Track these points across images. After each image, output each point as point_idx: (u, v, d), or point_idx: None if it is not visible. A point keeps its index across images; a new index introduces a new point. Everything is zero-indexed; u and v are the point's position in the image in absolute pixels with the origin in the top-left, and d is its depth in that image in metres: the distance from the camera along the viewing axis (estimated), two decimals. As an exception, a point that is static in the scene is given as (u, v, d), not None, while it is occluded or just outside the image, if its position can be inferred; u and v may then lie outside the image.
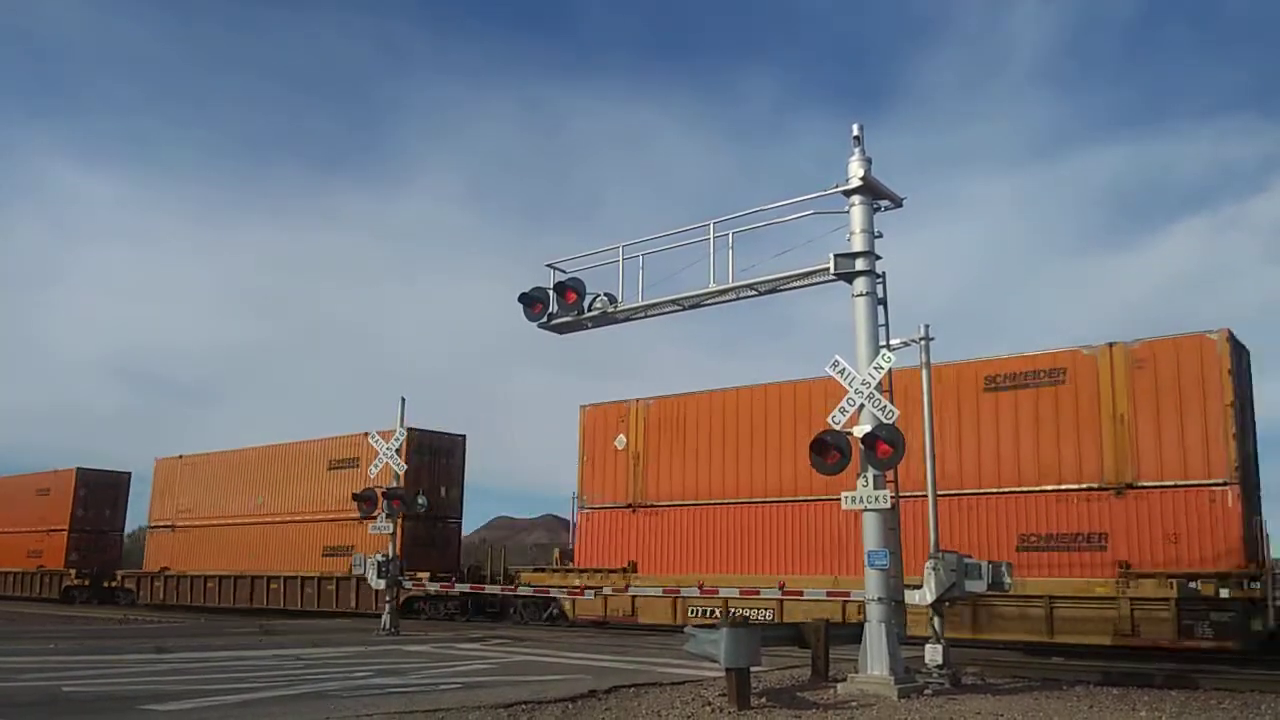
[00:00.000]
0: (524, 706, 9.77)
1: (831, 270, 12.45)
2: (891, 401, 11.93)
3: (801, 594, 18.74)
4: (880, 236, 12.56)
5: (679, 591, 20.86)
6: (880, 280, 12.50)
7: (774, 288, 13.54)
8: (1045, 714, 9.88)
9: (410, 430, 25.47)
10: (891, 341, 12.58)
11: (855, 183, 12.47)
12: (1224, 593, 15.65)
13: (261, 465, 32.71)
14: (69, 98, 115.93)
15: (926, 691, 11.40)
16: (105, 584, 36.97)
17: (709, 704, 10.21)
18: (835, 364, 12.14)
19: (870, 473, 11.76)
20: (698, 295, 14.04)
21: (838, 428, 12.05)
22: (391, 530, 22.24)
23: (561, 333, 15.69)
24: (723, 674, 10.52)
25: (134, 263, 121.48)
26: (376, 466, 22.69)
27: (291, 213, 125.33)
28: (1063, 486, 17.91)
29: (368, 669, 13.46)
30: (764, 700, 10.64)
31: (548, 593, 23.34)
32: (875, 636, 11.46)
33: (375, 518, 22.30)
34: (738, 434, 22.14)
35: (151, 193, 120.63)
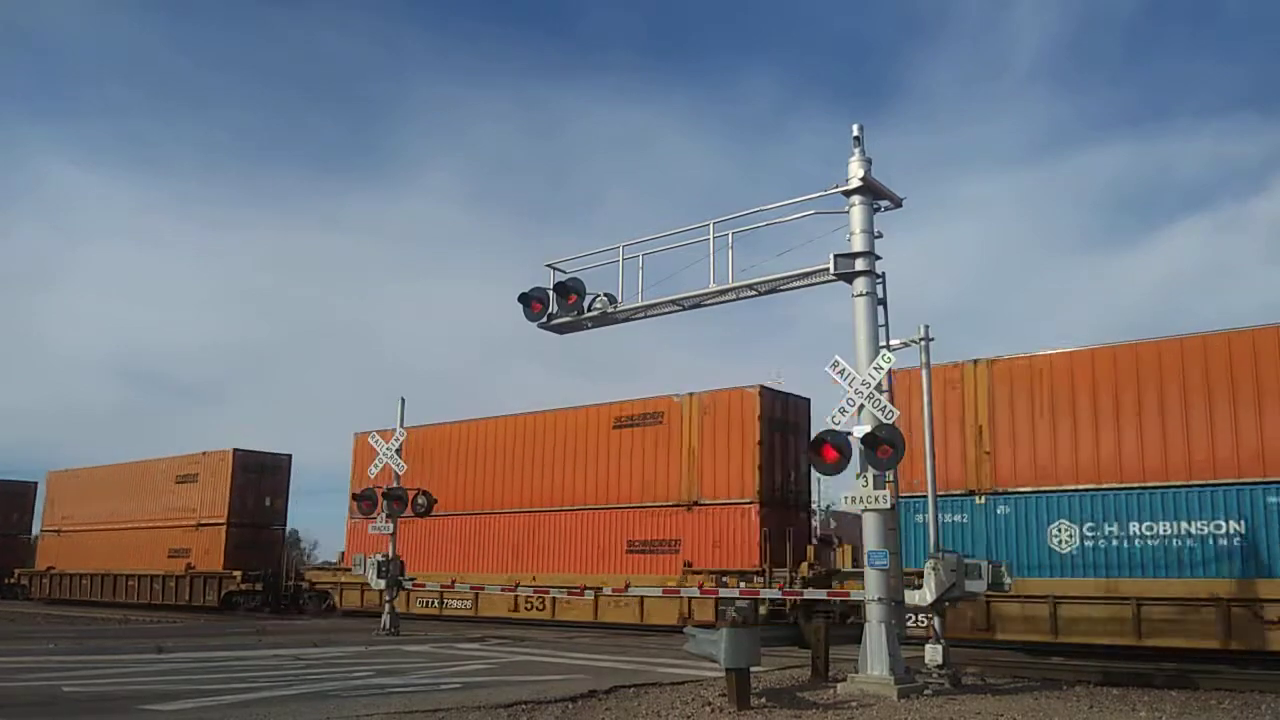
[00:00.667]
0: (524, 706, 9.77)
1: (831, 270, 12.46)
2: (892, 402, 11.93)
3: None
4: (880, 237, 12.58)
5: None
6: (880, 280, 12.50)
7: (774, 288, 13.55)
8: (1046, 714, 9.88)
9: (236, 450, 33.09)
10: (891, 342, 12.58)
11: (855, 183, 12.47)
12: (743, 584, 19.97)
13: (126, 479, 37.13)
14: (68, 98, 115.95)
15: (926, 692, 11.40)
16: (5, 580, 40.85)
17: (709, 704, 10.20)
18: (835, 364, 12.14)
19: (870, 473, 11.76)
20: (698, 295, 14.04)
21: (837, 428, 12.04)
22: (392, 530, 22.24)
23: (561, 333, 15.69)
24: (722, 674, 10.51)
25: (134, 262, 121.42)
26: (376, 467, 22.67)
27: (291, 213, 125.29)
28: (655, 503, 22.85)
29: (367, 669, 13.46)
30: (764, 700, 10.63)
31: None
32: (875, 636, 11.45)
33: (375, 518, 22.32)
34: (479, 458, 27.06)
35: (151, 192, 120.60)
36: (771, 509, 21.51)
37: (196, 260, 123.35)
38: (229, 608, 31.20)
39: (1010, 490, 17.64)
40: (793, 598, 19.25)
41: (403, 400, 22.92)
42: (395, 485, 22.20)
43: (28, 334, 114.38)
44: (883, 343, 12.36)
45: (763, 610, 19.44)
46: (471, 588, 24.75)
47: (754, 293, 13.75)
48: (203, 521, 32.90)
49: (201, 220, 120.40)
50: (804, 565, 20.16)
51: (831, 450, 11.87)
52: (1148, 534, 16.29)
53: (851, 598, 17.55)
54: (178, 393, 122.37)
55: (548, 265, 15.43)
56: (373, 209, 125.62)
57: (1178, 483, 16.11)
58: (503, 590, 24.36)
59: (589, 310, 14.97)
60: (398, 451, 22.37)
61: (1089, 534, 16.82)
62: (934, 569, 12.06)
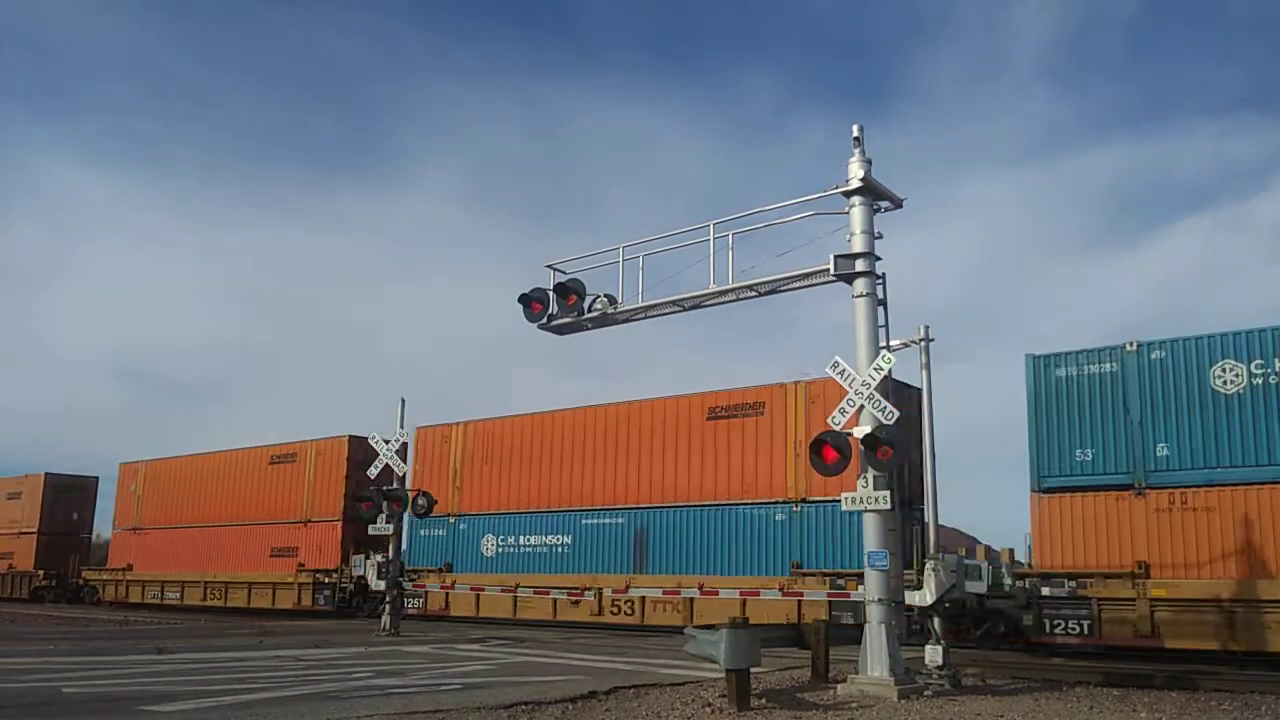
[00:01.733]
0: (524, 707, 9.77)
1: (832, 271, 12.46)
2: (891, 402, 11.93)
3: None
4: (880, 237, 12.57)
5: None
6: (880, 281, 12.50)
7: (774, 288, 13.54)
8: (1046, 715, 9.88)
9: (47, 474, 38.73)
10: (891, 342, 12.58)
11: (855, 183, 12.47)
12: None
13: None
14: (68, 97, 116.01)
15: (926, 693, 11.39)
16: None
17: (709, 705, 10.21)
18: (835, 365, 12.14)
19: (870, 474, 11.76)
20: (698, 296, 14.04)
21: (837, 428, 12.04)
22: (392, 530, 22.25)
23: (561, 333, 15.69)
24: (722, 675, 10.52)
25: (133, 262, 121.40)
26: (376, 468, 22.69)
27: (291, 212, 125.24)
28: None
29: (368, 670, 13.46)
30: (764, 701, 10.63)
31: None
32: (875, 637, 11.45)
33: (375, 519, 22.32)
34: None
35: (151, 192, 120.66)
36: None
37: (196, 260, 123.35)
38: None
39: (467, 513, 26.36)
40: (795, 598, 19.30)
41: (403, 400, 22.97)
42: (395, 485, 22.22)
43: (27, 334, 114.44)
44: (883, 343, 12.36)
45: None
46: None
47: (754, 293, 13.74)
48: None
49: (201, 220, 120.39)
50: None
51: (831, 450, 11.88)
52: (532, 543, 24.77)
53: (851, 597, 17.59)
54: (178, 393, 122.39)
55: (548, 266, 15.42)
56: (373, 209, 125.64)
57: (547, 509, 24.67)
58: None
59: (589, 311, 14.97)
60: (398, 452, 22.39)
61: (502, 543, 25.38)
62: (934, 570, 12.06)
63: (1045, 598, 15.79)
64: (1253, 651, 15.01)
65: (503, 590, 24.32)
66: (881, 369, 11.92)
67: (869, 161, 12.52)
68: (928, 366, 13.34)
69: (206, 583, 32.25)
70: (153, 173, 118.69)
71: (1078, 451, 16.95)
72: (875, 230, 12.55)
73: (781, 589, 19.65)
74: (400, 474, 22.38)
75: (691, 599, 20.88)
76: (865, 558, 11.85)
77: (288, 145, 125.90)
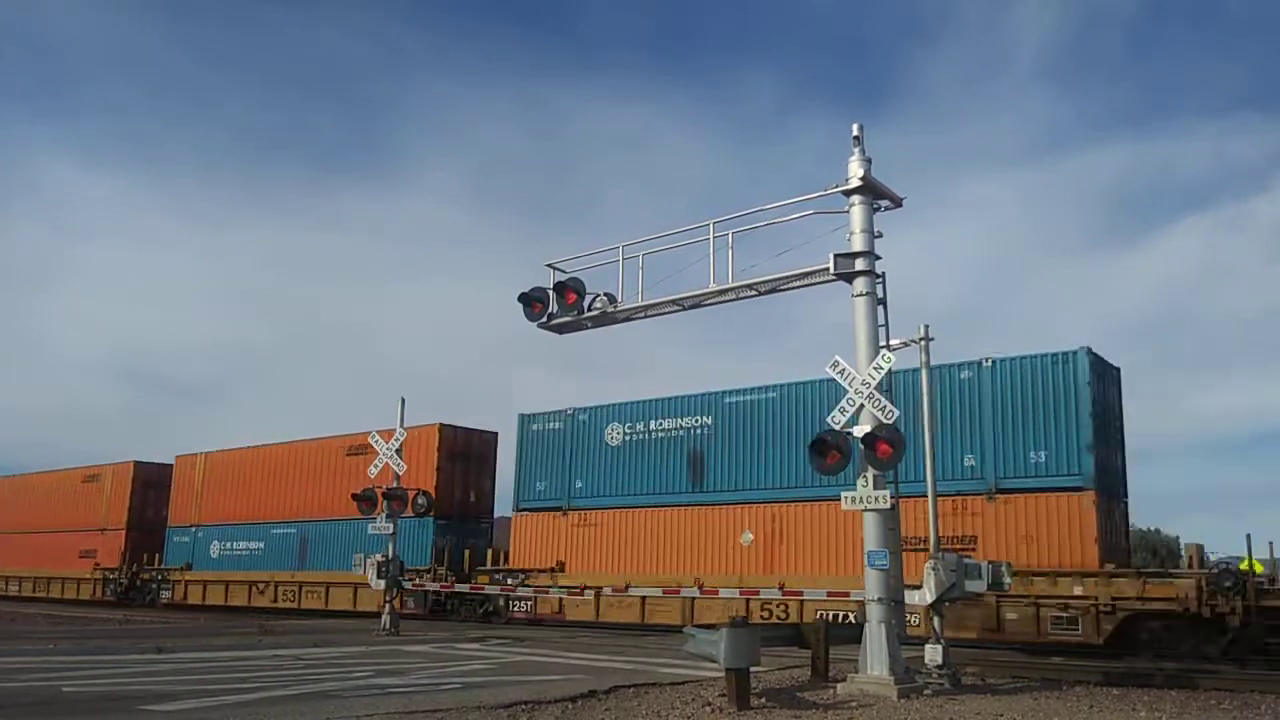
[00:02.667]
0: (524, 706, 9.77)
1: (831, 270, 12.46)
2: (891, 401, 11.93)
3: (801, 594, 19.04)
4: (880, 236, 12.58)
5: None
6: (880, 280, 12.50)
7: (774, 288, 13.54)
8: (1045, 714, 9.88)
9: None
10: (891, 341, 12.58)
11: (855, 183, 12.47)
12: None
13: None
14: (68, 97, 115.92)
15: (926, 692, 11.40)
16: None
17: (709, 704, 10.21)
18: (835, 364, 12.14)
19: (870, 473, 11.76)
20: (698, 295, 14.04)
21: (837, 428, 12.04)
22: (392, 530, 22.25)
23: (561, 333, 15.70)
24: (722, 674, 10.52)
25: (133, 262, 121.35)
26: (376, 467, 22.69)
27: (291, 212, 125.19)
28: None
29: (368, 669, 13.46)
30: (764, 700, 10.64)
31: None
32: (875, 636, 11.45)
33: (375, 518, 22.33)
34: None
35: (151, 192, 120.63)
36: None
37: (196, 260, 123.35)
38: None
39: (204, 524, 34.03)
40: (794, 597, 19.27)
41: (403, 400, 22.98)
42: (394, 485, 22.21)
43: (27, 334, 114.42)
44: (883, 342, 12.36)
45: None
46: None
47: (754, 293, 13.74)
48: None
49: (201, 220, 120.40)
50: None
51: (832, 450, 11.88)
52: (240, 548, 32.56)
53: (851, 597, 17.57)
54: (178, 393, 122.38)
55: (548, 265, 15.43)
56: (373, 209, 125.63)
57: (250, 521, 32.30)
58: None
59: (589, 310, 14.97)
60: (398, 451, 22.38)
61: (223, 548, 33.15)
62: (934, 569, 12.06)
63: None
64: (624, 623, 21.95)
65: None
66: (881, 368, 11.92)
67: (869, 160, 12.52)
68: (927, 366, 13.35)
69: (301, 583, 29.73)
70: (153, 173, 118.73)
71: (540, 483, 25.14)
72: (875, 229, 12.56)
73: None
74: (400, 473, 22.38)
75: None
76: (865, 557, 11.85)
77: (288, 145, 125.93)
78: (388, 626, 21.54)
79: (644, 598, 21.71)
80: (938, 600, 12.10)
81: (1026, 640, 17.07)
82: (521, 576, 24.46)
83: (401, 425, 22.82)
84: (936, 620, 12.25)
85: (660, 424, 23.37)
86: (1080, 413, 17.34)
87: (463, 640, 19.28)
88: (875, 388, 11.86)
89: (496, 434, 29.43)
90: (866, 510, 11.80)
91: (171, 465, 35.97)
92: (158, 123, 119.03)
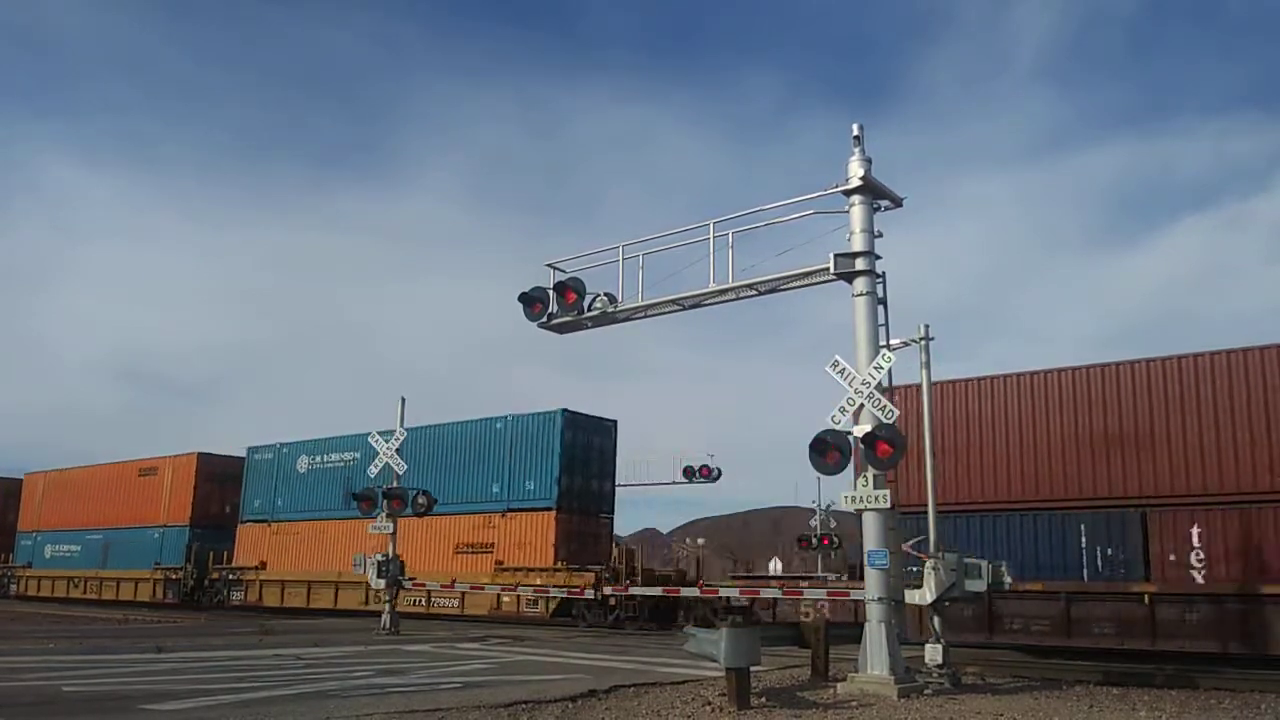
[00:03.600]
0: (524, 706, 9.77)
1: (831, 270, 12.46)
2: (891, 401, 11.93)
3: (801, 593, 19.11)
4: (880, 236, 12.58)
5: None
6: (880, 280, 12.50)
7: (774, 288, 13.54)
8: (1045, 714, 9.88)
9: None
10: (891, 341, 12.58)
11: (855, 183, 12.47)
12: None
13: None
14: (69, 97, 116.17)
15: (926, 691, 11.40)
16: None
17: (709, 704, 10.20)
18: (835, 364, 12.14)
19: (870, 473, 11.76)
20: (698, 295, 14.04)
21: (837, 427, 12.03)
22: (392, 530, 22.23)
23: (561, 332, 15.69)
24: (723, 674, 10.51)
25: (134, 262, 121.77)
26: (376, 467, 22.67)
27: (292, 212, 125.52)
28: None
29: (368, 669, 13.45)
30: (764, 700, 10.63)
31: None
32: (875, 636, 11.45)
33: (375, 518, 22.32)
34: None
35: (151, 192, 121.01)
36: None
37: (196, 260, 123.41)
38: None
39: (43, 529, 42.15)
40: (795, 597, 19.31)
41: (403, 400, 23.01)
42: (394, 485, 22.20)
43: (27, 334, 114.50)
44: (883, 342, 12.36)
45: None
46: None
47: (754, 292, 13.74)
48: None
49: (201, 220, 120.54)
50: None
51: (832, 450, 11.87)
52: (64, 551, 40.71)
53: (851, 596, 17.60)
54: (178, 393, 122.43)
55: (548, 265, 15.43)
56: (373, 209, 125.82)
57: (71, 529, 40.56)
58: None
59: (589, 310, 14.97)
60: (398, 451, 22.37)
61: (55, 550, 40.99)
62: (934, 569, 12.07)
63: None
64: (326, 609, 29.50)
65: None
66: (881, 368, 11.92)
67: (869, 160, 12.52)
68: (927, 365, 13.36)
69: (103, 579, 36.60)
70: (153, 173, 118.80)
71: (256, 501, 33.75)
72: (875, 229, 12.55)
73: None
74: (400, 473, 22.37)
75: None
76: (865, 556, 11.85)
77: (288, 145, 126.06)
78: (388, 626, 21.54)
79: (309, 583, 30.40)
80: (938, 600, 12.10)
81: (509, 617, 25.05)
82: (238, 573, 32.77)
83: (401, 425, 22.80)
84: (936, 620, 12.26)
85: (329, 457, 31.76)
86: (553, 455, 25.51)
87: (463, 640, 19.28)
88: (875, 388, 11.85)
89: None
90: (866, 510, 11.80)
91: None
92: (158, 123, 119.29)
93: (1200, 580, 15.81)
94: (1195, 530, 16.05)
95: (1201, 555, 15.94)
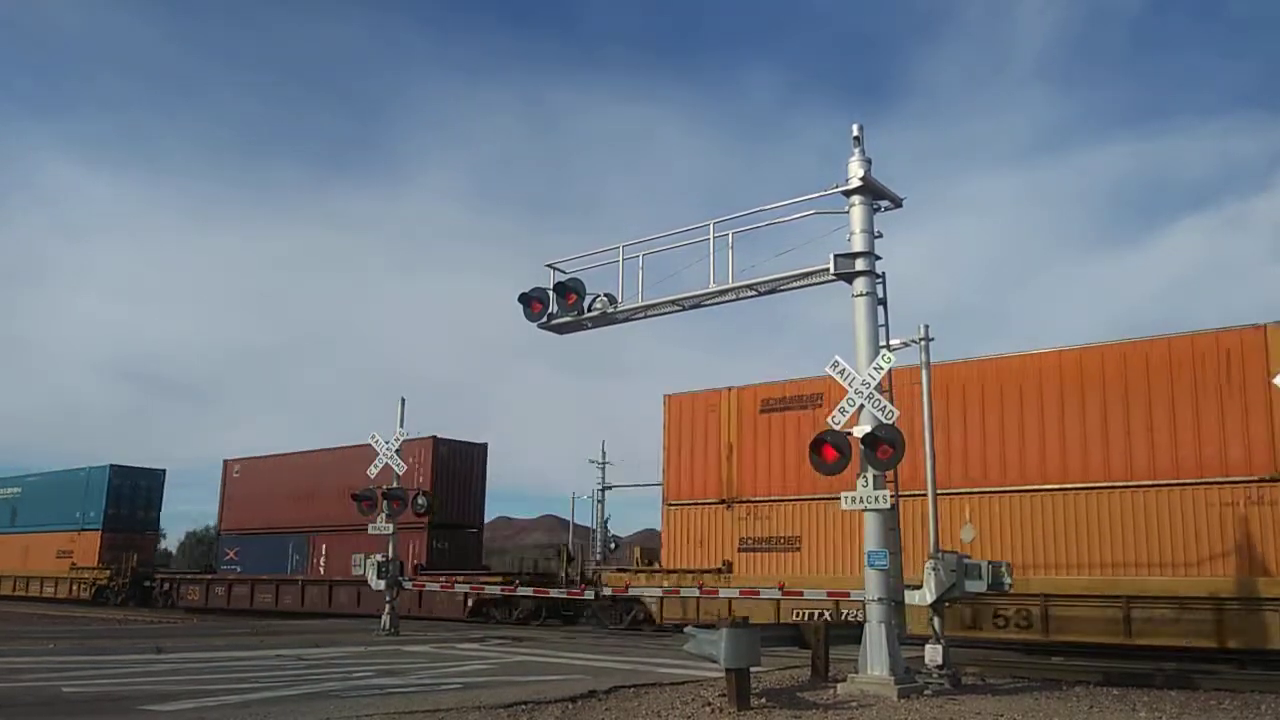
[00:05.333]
0: (524, 706, 9.77)
1: (831, 270, 12.45)
2: (892, 401, 11.93)
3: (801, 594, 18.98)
4: (880, 236, 12.57)
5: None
6: (880, 280, 12.50)
7: (774, 288, 13.54)
8: (1045, 714, 9.88)
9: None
10: (892, 341, 12.58)
11: (855, 183, 12.47)
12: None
13: None
14: (67, 94, 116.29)
15: (926, 692, 11.40)
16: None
17: (709, 704, 10.20)
18: (835, 364, 12.14)
19: (870, 473, 11.76)
20: (698, 295, 14.04)
21: (838, 428, 12.04)
22: (391, 530, 22.24)
23: (561, 333, 15.70)
24: (722, 674, 10.51)
25: (133, 261, 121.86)
26: (376, 467, 22.68)
27: (292, 210, 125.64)
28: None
29: (368, 669, 13.46)
30: (764, 700, 10.63)
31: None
32: (875, 636, 11.45)
33: (375, 518, 22.32)
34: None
35: (151, 190, 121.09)
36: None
37: (196, 260, 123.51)
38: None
39: None
40: (794, 596, 19.28)
41: (403, 400, 22.98)
42: (395, 485, 22.20)
43: (26, 334, 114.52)
44: (883, 342, 12.36)
45: None
46: None
47: (754, 293, 13.74)
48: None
49: (201, 220, 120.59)
50: None
51: (831, 450, 11.88)
52: None
53: (851, 597, 17.58)
54: (178, 392, 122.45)
55: (548, 265, 15.44)
56: (373, 207, 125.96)
57: None
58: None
59: (589, 310, 14.97)
60: (397, 451, 22.36)
61: None
62: (934, 569, 12.06)
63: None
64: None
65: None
66: (881, 368, 11.92)
67: (869, 161, 12.52)
68: (927, 365, 13.35)
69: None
70: (153, 171, 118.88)
71: None
72: (875, 229, 12.55)
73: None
74: (400, 473, 22.37)
75: None
76: (865, 557, 11.85)
77: (288, 142, 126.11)
78: (388, 626, 21.54)
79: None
80: (938, 600, 12.10)
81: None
82: None
83: (401, 424, 22.80)
84: (936, 620, 12.25)
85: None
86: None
87: (463, 640, 19.28)
88: (875, 388, 11.86)
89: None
90: (866, 510, 11.80)
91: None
92: (157, 119, 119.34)
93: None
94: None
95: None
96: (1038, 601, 17.29)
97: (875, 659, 11.37)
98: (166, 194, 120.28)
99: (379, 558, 22.39)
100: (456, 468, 29.51)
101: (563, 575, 26.66)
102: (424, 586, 25.48)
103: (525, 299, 15.41)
